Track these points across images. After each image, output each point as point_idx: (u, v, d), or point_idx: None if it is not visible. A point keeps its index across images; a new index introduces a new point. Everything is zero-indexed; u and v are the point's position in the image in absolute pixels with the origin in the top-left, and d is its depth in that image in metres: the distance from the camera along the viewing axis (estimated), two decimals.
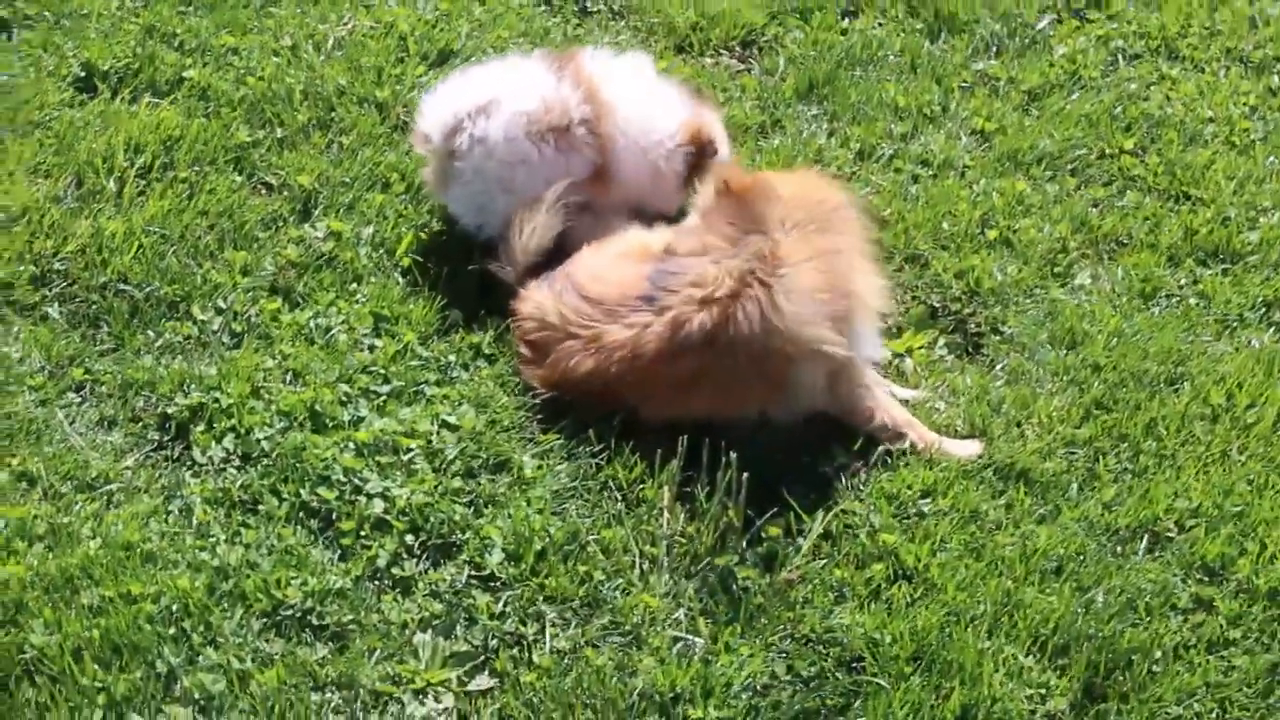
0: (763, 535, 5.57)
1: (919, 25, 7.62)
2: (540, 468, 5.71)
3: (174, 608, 5.11)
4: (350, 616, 5.20)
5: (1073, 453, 5.81)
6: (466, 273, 6.33)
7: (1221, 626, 5.31)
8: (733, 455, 5.56)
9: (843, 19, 7.70)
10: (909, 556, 5.44)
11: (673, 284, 5.77)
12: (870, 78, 7.27)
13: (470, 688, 5.22)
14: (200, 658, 5.05)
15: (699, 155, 6.26)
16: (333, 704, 5.00)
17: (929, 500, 5.65)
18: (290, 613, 5.19)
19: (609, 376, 5.78)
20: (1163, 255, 6.52)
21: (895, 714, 5.02)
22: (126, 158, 6.63)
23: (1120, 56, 7.48)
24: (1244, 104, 7.18)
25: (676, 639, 5.26)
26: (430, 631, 5.31)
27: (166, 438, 5.72)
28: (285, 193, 6.67)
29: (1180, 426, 5.86)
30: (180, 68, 7.14)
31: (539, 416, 5.90)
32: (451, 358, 6.07)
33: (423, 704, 5.12)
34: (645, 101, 6.31)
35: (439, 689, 5.17)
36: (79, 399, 5.82)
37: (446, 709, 5.13)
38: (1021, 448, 5.80)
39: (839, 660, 5.23)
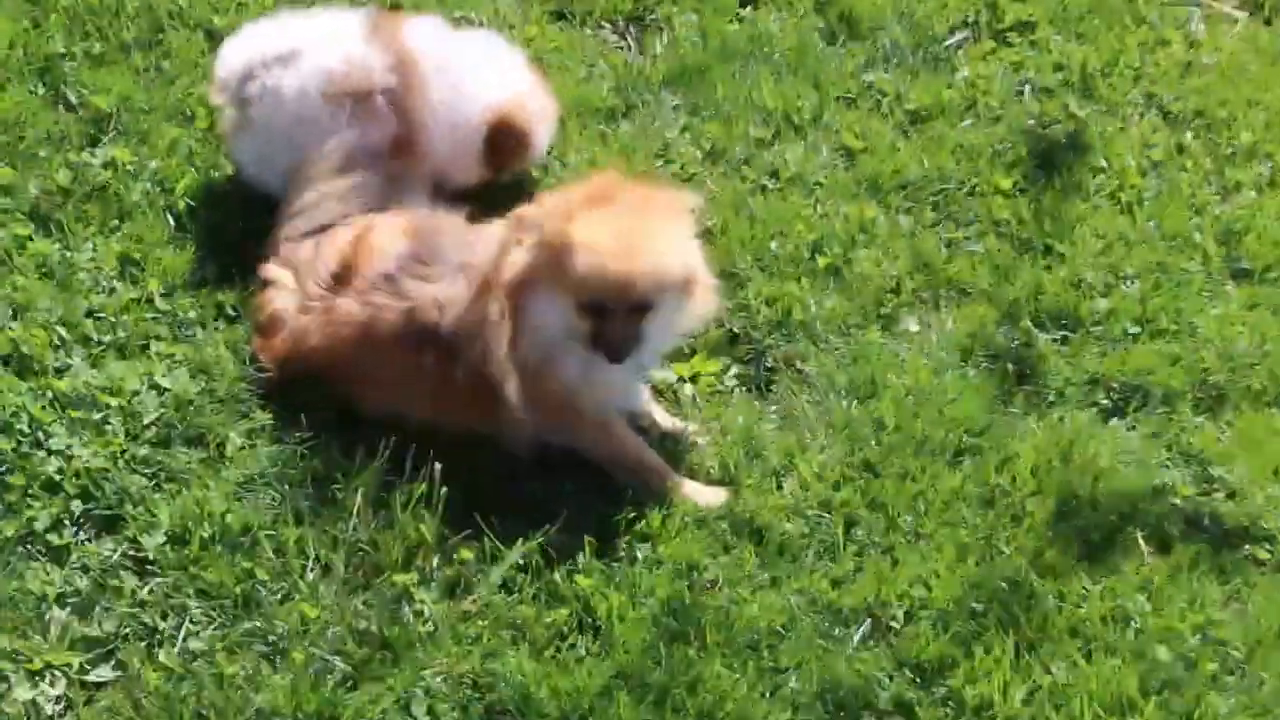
0: (455, 557, 5.04)
1: (819, 24, 7.04)
2: (243, 448, 5.25)
3: None
4: None
5: (822, 516, 5.28)
6: (239, 227, 5.86)
7: None
8: (437, 466, 5.06)
9: (742, 6, 7.07)
10: (601, 605, 4.95)
11: (420, 272, 5.29)
12: (747, 74, 6.70)
13: (90, 677, 4.80)
14: None
15: (508, 139, 5.72)
16: None
17: (646, 545, 5.10)
18: None
19: (335, 355, 5.30)
20: (1001, 311, 5.93)
21: None
22: None
23: (1029, 88, 6.88)
24: (1146, 157, 6.54)
25: (318, 658, 4.76)
26: (67, 609, 4.92)
27: None
28: (80, 112, 6.28)
29: (947, 506, 5.27)
30: None
31: (260, 392, 5.40)
32: (191, 314, 5.65)
33: (34, 686, 4.75)
34: (463, 79, 5.77)
35: (57, 673, 4.75)
36: None
37: (58, 696, 4.71)
38: (765, 503, 5.23)
39: (487, 709, 4.75)
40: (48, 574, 5.01)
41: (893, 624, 5.07)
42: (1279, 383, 5.85)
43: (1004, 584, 5.15)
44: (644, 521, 5.28)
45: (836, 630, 5.05)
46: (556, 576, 5.12)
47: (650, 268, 5.04)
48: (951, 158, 6.52)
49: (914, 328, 5.99)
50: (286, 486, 5.27)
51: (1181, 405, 5.74)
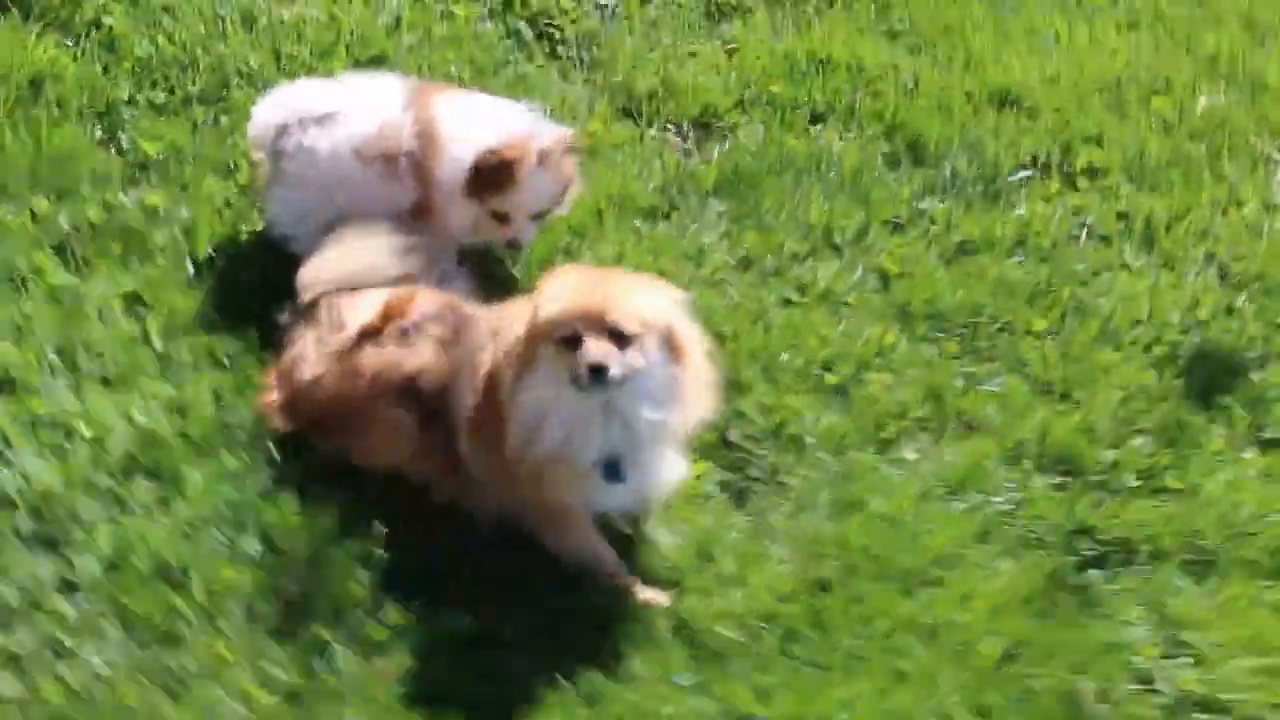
0: (383, 619, 5.07)
1: (885, 149, 6.96)
2: (203, 490, 5.32)
3: None
4: None
5: (763, 628, 5.13)
6: (253, 281, 5.98)
7: None
8: (381, 527, 5.10)
9: (812, 123, 7.04)
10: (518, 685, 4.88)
11: (432, 332, 5.35)
12: (798, 189, 6.65)
13: None
14: None
15: (491, 170, 5.76)
16: None
17: (575, 626, 5.08)
18: None
19: (342, 402, 5.36)
20: (1004, 451, 5.76)
21: None
22: None
23: (1086, 233, 6.69)
24: (1192, 314, 6.33)
25: (221, 699, 4.79)
26: None
27: None
28: (129, 156, 6.46)
29: (892, 633, 5.13)
30: (102, 11, 6.90)
31: (239, 434, 5.47)
32: (185, 357, 5.73)
33: None
34: (470, 136, 5.83)
35: None
36: None
37: None
38: (709, 607, 5.15)
39: None
40: None
41: None
42: (1276, 556, 5.55)
43: (932, 718, 4.96)
44: (584, 612, 5.17)
45: None
46: (481, 654, 5.02)
47: (620, 295, 5.06)
48: (989, 292, 6.38)
49: (911, 455, 5.86)
50: (234, 531, 5.27)
51: (1167, 566, 5.53)
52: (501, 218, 5.89)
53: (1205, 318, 6.45)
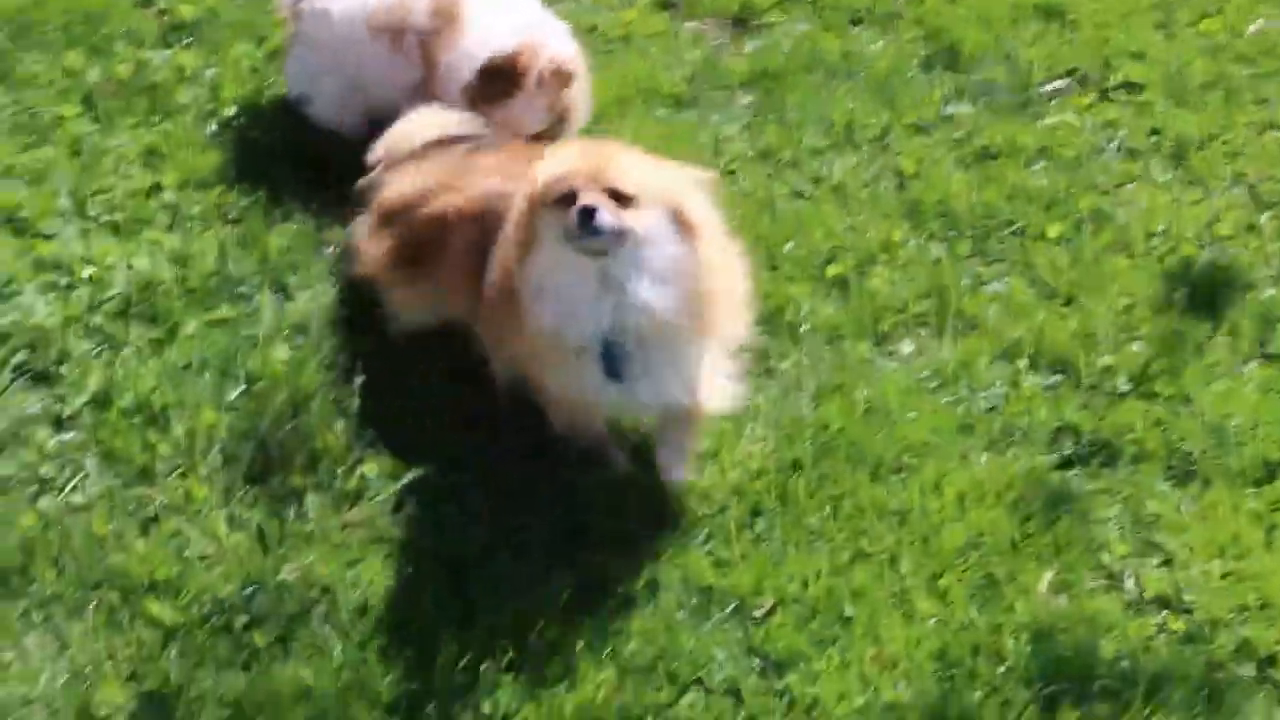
0: (359, 470, 5.15)
1: (921, 52, 6.94)
2: (194, 336, 5.46)
3: None
4: None
5: (725, 505, 5.18)
6: (271, 143, 6.11)
7: None
8: (359, 379, 5.20)
9: (853, 24, 7.05)
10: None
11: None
12: (828, 87, 6.66)
13: None
14: None
15: (495, 79, 5.82)
16: None
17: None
18: None
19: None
20: (1001, 348, 5.79)
21: None
22: None
23: (1115, 146, 6.64)
24: (1210, 230, 6.29)
25: (185, 535, 4.92)
26: None
27: None
28: (165, 17, 6.57)
29: (859, 514, 5.17)
30: None
31: (240, 287, 5.62)
32: (194, 210, 5.87)
33: None
34: (493, 31, 5.87)
35: None
36: None
37: None
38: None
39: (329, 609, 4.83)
40: None
41: (755, 614, 4.94)
42: (1261, 466, 5.52)
43: (889, 596, 4.99)
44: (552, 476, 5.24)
45: (698, 605, 4.93)
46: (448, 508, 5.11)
47: (620, 157, 4.99)
48: (1006, 197, 6.37)
49: (906, 350, 5.86)
50: (220, 377, 5.39)
51: (1150, 469, 5.50)
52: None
53: (1225, 233, 6.35)
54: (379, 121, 5.91)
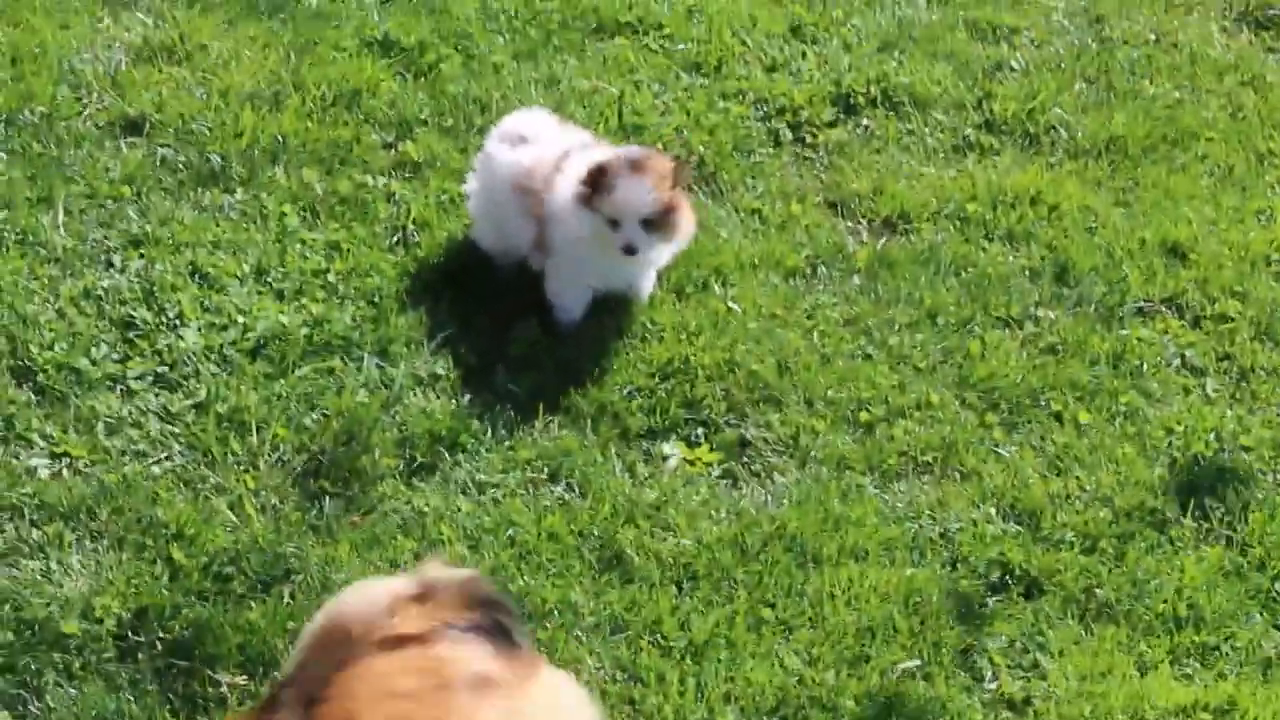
0: (383, 491, 6.42)
1: (1030, 264, 7.77)
2: (299, 378, 6.82)
3: None
4: None
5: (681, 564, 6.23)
6: (441, 258, 7.53)
7: None
8: (410, 429, 6.45)
9: (984, 240, 7.96)
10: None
11: None
12: (934, 279, 7.60)
13: None
14: None
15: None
16: None
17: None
18: None
19: None
20: (981, 496, 6.58)
21: None
22: None
23: (1180, 361, 7.31)
24: (1238, 440, 6.91)
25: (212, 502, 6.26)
26: None
27: None
28: (394, 153, 8.04)
29: (770, 585, 6.09)
30: None
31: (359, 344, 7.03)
32: (351, 289, 7.26)
33: None
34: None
35: None
36: None
37: None
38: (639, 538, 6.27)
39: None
40: None
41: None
42: (1171, 619, 6.15)
43: (764, 650, 5.85)
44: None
45: None
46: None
47: None
48: (1050, 384, 7.18)
49: (899, 486, 6.67)
50: (306, 406, 6.73)
51: (1060, 605, 6.21)
52: (613, 223, 7.05)
53: (1247, 444, 6.89)
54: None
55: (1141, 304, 7.65)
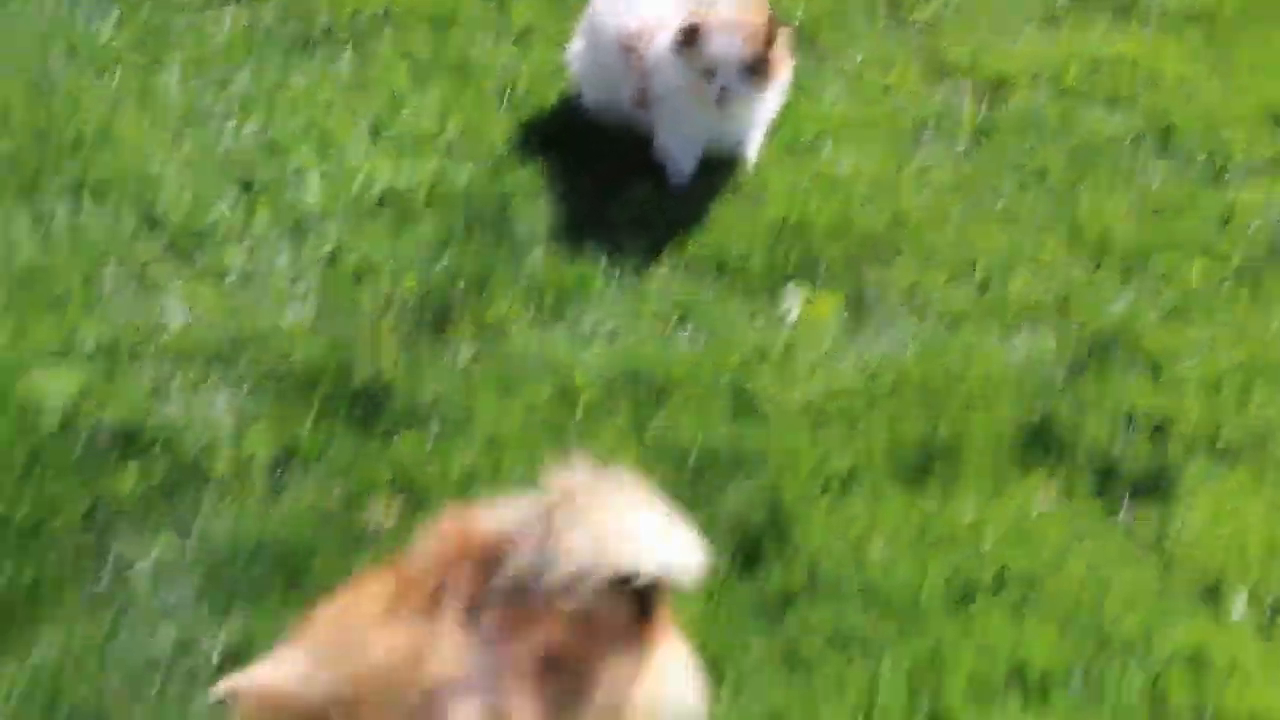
0: None
1: (1138, 129, 7.86)
2: (422, 228, 6.90)
3: None
4: None
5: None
6: (546, 119, 7.58)
7: None
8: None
9: (1089, 104, 8.03)
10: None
11: None
12: (1041, 143, 7.71)
13: None
14: None
15: None
16: None
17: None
18: None
19: None
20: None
21: None
22: None
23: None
24: None
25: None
26: None
27: None
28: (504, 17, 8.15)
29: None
30: None
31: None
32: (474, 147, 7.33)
33: None
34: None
35: None
36: None
37: None
38: None
39: None
40: None
41: None
42: None
43: None
44: None
45: None
46: None
47: None
48: (1163, 243, 7.22)
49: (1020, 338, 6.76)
50: (430, 249, 6.84)
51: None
52: (708, 73, 7.12)
53: None
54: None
55: (1246, 165, 7.69)
